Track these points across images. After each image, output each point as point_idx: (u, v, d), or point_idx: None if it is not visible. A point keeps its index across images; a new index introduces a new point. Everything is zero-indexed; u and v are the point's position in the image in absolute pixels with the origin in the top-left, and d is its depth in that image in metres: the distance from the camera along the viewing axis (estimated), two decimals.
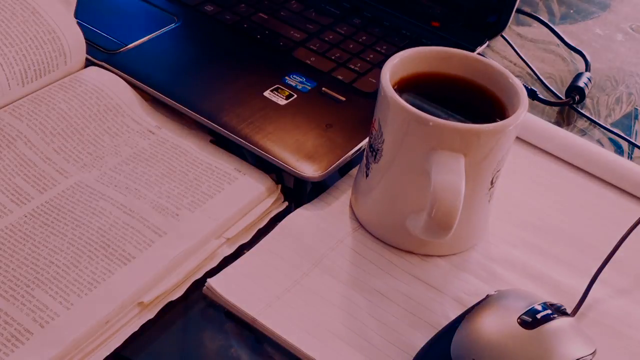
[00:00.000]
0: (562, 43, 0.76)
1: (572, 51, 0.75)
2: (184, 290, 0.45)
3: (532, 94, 0.66)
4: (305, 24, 0.67)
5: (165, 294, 0.44)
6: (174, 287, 0.45)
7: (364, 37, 0.67)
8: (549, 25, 0.77)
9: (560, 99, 0.68)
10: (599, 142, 0.63)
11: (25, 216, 0.47)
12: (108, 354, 0.41)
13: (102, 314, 0.42)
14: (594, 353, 0.41)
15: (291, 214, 0.50)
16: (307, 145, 0.53)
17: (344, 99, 0.58)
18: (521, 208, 0.54)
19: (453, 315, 0.44)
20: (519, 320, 0.40)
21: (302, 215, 0.51)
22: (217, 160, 0.53)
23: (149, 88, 0.57)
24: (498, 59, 0.73)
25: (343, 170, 0.54)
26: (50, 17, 0.56)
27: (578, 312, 0.46)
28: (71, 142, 0.52)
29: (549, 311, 0.41)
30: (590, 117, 0.66)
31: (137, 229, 0.47)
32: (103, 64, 0.59)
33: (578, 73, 0.70)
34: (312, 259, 0.48)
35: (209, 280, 0.45)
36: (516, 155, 0.58)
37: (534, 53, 0.75)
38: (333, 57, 0.63)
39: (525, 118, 0.45)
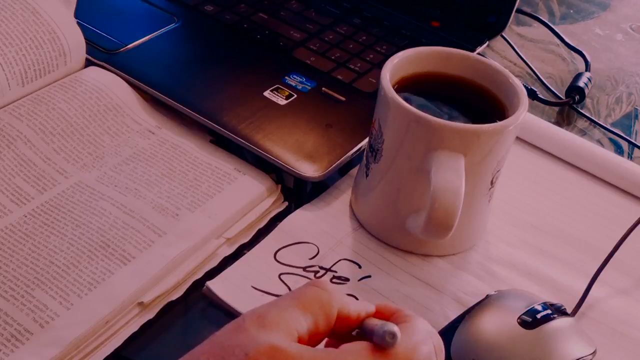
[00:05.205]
0: (562, 43, 0.76)
1: (572, 51, 0.75)
2: (184, 290, 0.45)
3: (532, 94, 0.66)
4: (305, 24, 0.67)
5: (165, 294, 0.44)
6: (174, 287, 0.45)
7: (364, 37, 0.67)
8: (549, 25, 0.77)
9: (560, 99, 0.68)
10: (599, 142, 0.63)
11: (25, 216, 0.47)
12: (108, 354, 0.41)
13: (102, 314, 0.42)
14: (594, 353, 0.41)
15: (291, 214, 0.50)
16: (307, 145, 0.53)
17: (344, 99, 0.58)
18: (521, 208, 0.54)
19: (453, 315, 0.44)
20: (519, 320, 0.40)
21: (302, 215, 0.51)
22: (217, 160, 0.53)
23: (149, 88, 0.57)
24: (498, 59, 0.73)
25: (343, 170, 0.54)
26: (50, 17, 0.56)
27: (578, 312, 0.46)
28: (71, 142, 0.52)
29: (549, 311, 0.41)
30: (590, 117, 0.66)
31: (137, 229, 0.47)
32: (103, 64, 0.59)
33: (578, 73, 0.70)
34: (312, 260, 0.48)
35: (207, 283, 0.45)
36: (516, 155, 0.58)
37: (534, 53, 0.75)
38: (333, 57, 0.63)
39: (525, 118, 0.45)
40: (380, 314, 0.34)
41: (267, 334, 0.29)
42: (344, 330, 0.33)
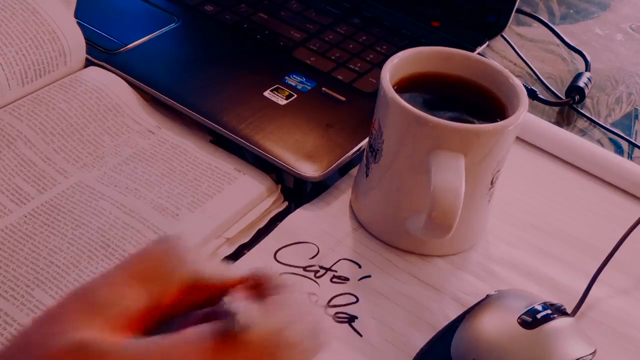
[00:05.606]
0: (562, 43, 0.76)
1: (572, 51, 0.75)
2: None
3: (532, 94, 0.66)
4: (305, 24, 0.67)
5: None
6: None
7: (364, 37, 0.67)
8: (549, 25, 0.77)
9: (560, 99, 0.68)
10: (599, 142, 0.63)
11: (25, 216, 0.47)
12: None
13: None
14: (594, 353, 0.41)
15: (291, 214, 0.50)
16: (307, 145, 0.53)
17: (344, 99, 0.58)
18: (521, 208, 0.54)
19: (453, 315, 0.44)
20: (519, 320, 0.40)
21: (302, 215, 0.51)
22: (217, 160, 0.53)
23: (149, 88, 0.57)
24: (498, 59, 0.73)
25: (343, 170, 0.54)
26: (50, 17, 0.56)
27: (578, 312, 0.46)
28: (71, 142, 0.52)
29: (549, 311, 0.41)
30: (590, 117, 0.66)
31: (137, 229, 0.47)
32: (103, 64, 0.59)
33: (578, 73, 0.70)
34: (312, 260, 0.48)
35: None
36: (516, 155, 0.58)
37: (534, 53, 0.75)
38: (333, 57, 0.63)
39: (525, 118, 0.45)
40: (246, 284, 0.27)
41: (81, 325, 0.24)
42: (199, 303, 0.27)
